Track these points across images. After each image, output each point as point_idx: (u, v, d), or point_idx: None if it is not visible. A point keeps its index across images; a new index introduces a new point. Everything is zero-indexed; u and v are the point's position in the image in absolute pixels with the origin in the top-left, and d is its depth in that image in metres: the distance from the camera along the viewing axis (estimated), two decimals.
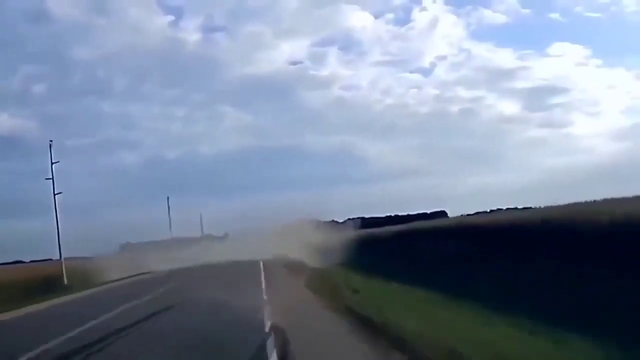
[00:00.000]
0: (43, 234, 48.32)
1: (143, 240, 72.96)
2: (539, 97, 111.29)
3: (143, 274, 47.32)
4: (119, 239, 68.48)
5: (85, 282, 37.64)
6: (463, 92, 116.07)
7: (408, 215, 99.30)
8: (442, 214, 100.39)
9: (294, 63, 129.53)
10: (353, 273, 30.11)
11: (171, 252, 62.65)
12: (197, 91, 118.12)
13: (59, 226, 38.87)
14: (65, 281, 37.76)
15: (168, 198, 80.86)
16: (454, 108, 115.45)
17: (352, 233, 56.96)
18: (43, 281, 35.24)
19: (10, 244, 55.81)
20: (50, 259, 53.46)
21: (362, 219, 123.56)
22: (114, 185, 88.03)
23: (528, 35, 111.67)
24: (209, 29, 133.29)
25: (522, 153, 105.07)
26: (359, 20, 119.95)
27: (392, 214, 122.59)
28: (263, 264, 39.51)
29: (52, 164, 39.57)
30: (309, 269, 33.17)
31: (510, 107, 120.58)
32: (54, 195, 39.18)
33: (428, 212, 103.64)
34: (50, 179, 39.30)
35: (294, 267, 35.16)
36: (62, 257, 39.30)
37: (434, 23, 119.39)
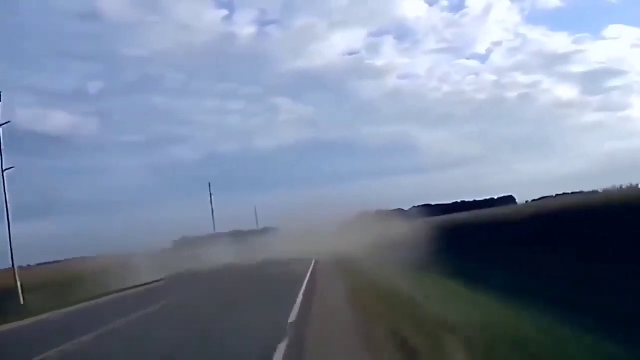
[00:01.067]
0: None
1: (199, 234, 68.56)
2: (596, 80, 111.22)
3: (157, 281, 36.52)
4: (174, 233, 65.05)
5: (67, 296, 26.33)
6: (520, 78, 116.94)
7: (475, 201, 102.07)
8: (510, 199, 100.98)
9: (350, 54, 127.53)
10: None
11: (219, 248, 57.43)
12: (252, 85, 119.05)
13: (9, 220, 27.01)
14: (22, 299, 26.29)
15: (210, 185, 71.76)
16: (512, 94, 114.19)
17: (429, 222, 47.70)
18: None
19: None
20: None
21: (428, 206, 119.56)
22: (170, 180, 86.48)
23: (582, 18, 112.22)
24: (262, 23, 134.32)
25: (580, 137, 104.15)
26: (413, 8, 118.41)
27: (459, 201, 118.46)
28: (309, 276, 26.67)
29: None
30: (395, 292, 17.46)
31: (567, 92, 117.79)
32: (2, 170, 27.61)
33: (495, 197, 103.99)
34: None
35: (364, 286, 19.67)
36: (20, 264, 27.88)
37: (488, 8, 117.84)
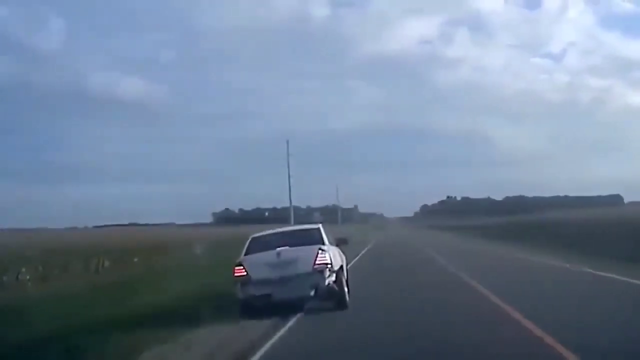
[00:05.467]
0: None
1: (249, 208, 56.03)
2: None
3: None
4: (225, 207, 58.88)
5: None
6: (593, 81, 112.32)
7: (579, 197, 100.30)
8: (617, 198, 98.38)
9: (424, 42, 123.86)
10: None
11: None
12: (327, 66, 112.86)
13: None
14: None
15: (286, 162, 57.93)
16: (585, 96, 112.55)
17: None
18: None
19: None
20: None
21: (522, 197, 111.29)
22: (240, 155, 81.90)
23: None
24: (336, 5, 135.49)
25: None
26: (488, 1, 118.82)
27: (561, 194, 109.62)
28: None
29: None
30: None
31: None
32: None
33: (603, 194, 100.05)
34: None
35: None
36: None
37: (564, 8, 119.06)
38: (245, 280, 10.27)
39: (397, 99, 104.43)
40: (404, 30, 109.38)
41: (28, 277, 20.26)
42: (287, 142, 55.44)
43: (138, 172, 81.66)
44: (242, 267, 10.39)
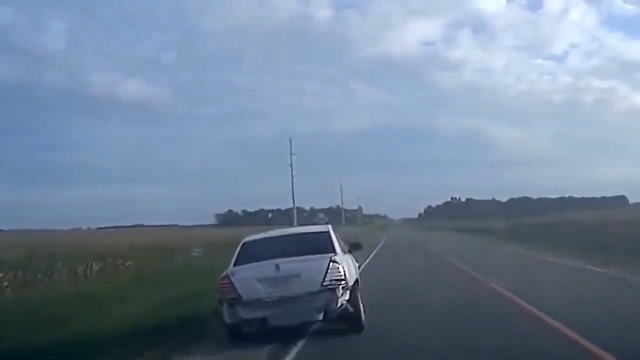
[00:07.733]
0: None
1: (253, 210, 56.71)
2: None
3: None
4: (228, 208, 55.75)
5: None
6: (596, 82, 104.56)
7: (584, 198, 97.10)
8: (622, 199, 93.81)
9: (427, 43, 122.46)
10: None
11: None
12: (329, 67, 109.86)
13: None
14: None
15: (291, 164, 54.94)
16: (587, 97, 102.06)
17: None
18: None
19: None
20: None
21: (527, 198, 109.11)
22: (242, 156, 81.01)
23: None
24: (339, 6, 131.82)
25: None
26: (490, 3, 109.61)
27: (566, 196, 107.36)
28: None
29: None
30: None
31: None
32: None
33: (607, 195, 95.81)
34: None
35: None
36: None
37: (565, 10, 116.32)
38: (233, 300, 7.55)
39: (400, 100, 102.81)
40: (406, 32, 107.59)
41: (6, 283, 17.95)
42: (290, 140, 52.91)
43: (141, 173, 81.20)
44: (229, 283, 7.62)
